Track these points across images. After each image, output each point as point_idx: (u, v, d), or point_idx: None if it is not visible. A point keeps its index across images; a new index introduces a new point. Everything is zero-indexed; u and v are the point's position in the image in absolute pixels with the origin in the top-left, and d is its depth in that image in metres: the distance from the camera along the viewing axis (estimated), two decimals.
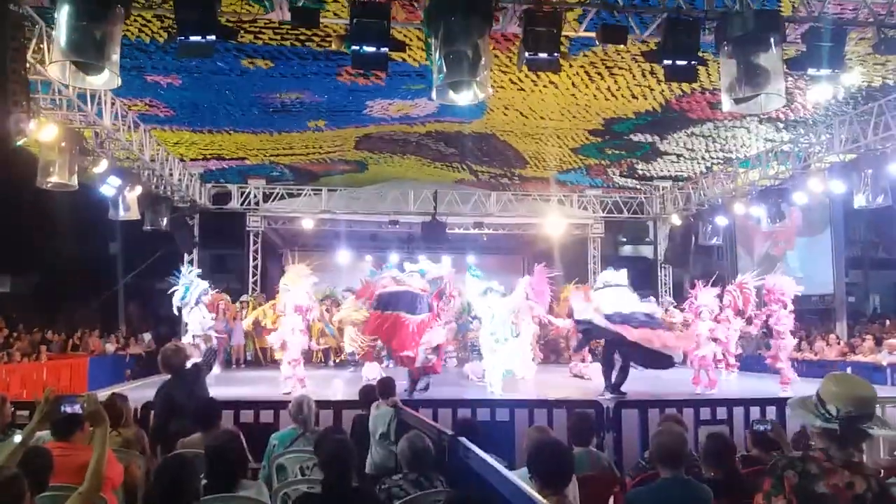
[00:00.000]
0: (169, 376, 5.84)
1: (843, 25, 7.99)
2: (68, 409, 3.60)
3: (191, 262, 18.34)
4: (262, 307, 15.80)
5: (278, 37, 9.52)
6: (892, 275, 24.73)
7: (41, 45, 8.82)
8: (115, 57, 6.99)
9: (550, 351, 16.95)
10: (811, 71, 8.01)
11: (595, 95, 11.69)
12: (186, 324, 13.09)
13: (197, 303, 12.97)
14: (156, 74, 10.77)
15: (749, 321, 12.35)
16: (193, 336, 12.63)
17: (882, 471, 3.34)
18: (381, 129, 14.22)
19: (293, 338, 11.42)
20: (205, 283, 13.39)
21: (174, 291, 13.23)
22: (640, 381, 11.51)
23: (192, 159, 16.10)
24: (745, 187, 15.91)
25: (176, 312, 13.44)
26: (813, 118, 12.85)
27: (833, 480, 2.30)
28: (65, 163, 10.96)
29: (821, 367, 14.23)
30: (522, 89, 11.50)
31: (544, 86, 11.30)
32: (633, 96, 11.73)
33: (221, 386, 11.17)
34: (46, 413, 3.59)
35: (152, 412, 6.12)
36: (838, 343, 15.34)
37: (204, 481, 3.78)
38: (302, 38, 9.52)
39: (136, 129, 12.97)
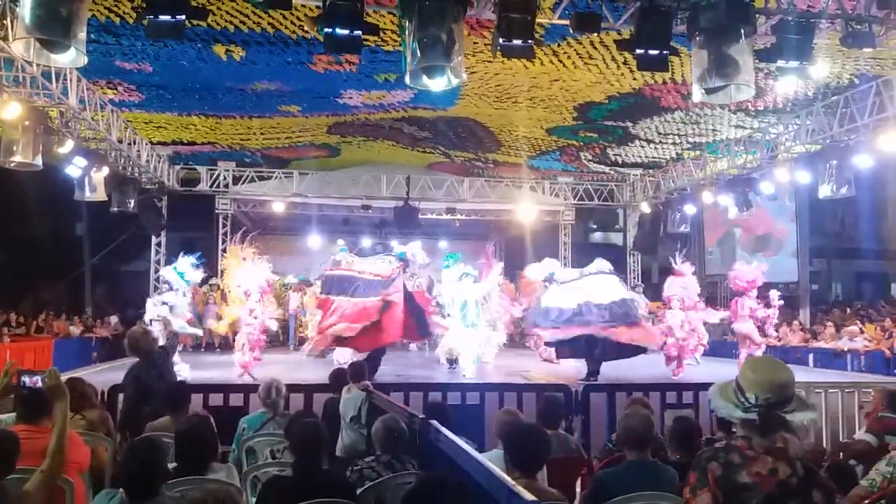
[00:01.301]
0: (136, 359, 5.80)
1: (811, 18, 8.11)
2: (28, 382, 3.56)
3: (158, 245, 18.15)
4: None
5: (251, 21, 9.38)
6: (855, 264, 25.27)
7: (4, 22, 8.58)
8: (82, 35, 6.83)
9: (519, 335, 17.08)
10: (780, 62, 8.12)
11: (567, 79, 11.70)
12: (170, 305, 12.65)
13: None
14: (126, 62, 10.58)
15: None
16: (151, 320, 12.32)
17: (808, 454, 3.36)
18: (355, 118, 14.13)
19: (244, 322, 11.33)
20: (200, 275, 13.11)
21: (160, 275, 12.92)
22: (609, 366, 11.65)
23: (161, 143, 15.86)
24: (714, 176, 16.14)
25: (159, 293, 13.07)
26: (781, 108, 13.04)
27: (756, 468, 2.27)
28: (28, 142, 10.71)
29: (784, 352, 14.57)
30: (496, 73, 11.48)
31: (514, 73, 11.29)
32: (609, 82, 11.76)
33: (193, 370, 11.10)
34: (6, 387, 3.55)
35: (121, 395, 6.07)
36: (802, 330, 15.69)
37: (174, 464, 3.78)
38: (274, 22, 9.40)
39: (104, 110, 12.73)
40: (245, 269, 11.53)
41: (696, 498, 2.32)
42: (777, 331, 15.71)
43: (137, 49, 10.07)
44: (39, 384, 3.50)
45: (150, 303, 12.59)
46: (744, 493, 2.25)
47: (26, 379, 3.61)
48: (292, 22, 9.33)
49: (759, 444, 2.33)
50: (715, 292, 18.86)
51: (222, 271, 14.46)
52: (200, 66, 10.79)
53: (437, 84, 7.60)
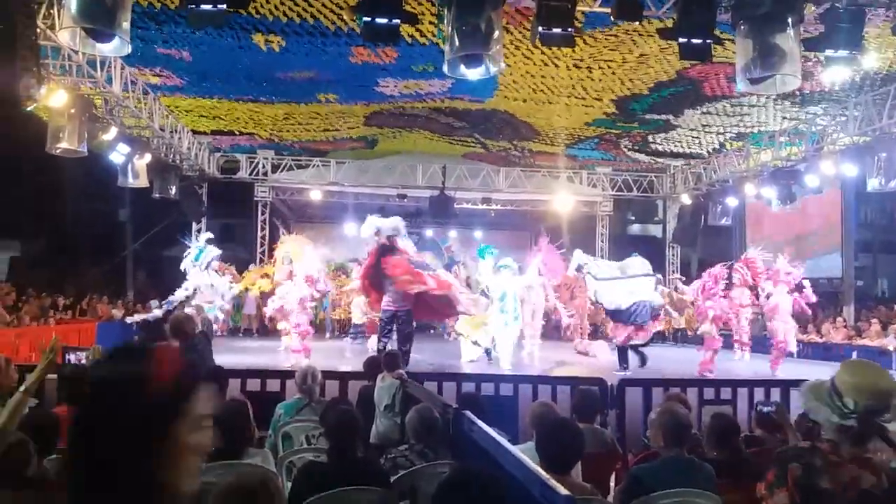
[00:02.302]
0: (177, 343, 5.89)
1: (862, 6, 7.86)
2: (73, 359, 3.63)
3: (199, 231, 18.44)
4: (250, 277, 15.72)
5: (291, 11, 9.42)
6: None
7: (51, 11, 8.77)
8: (126, 24, 6.97)
9: (554, 328, 16.98)
10: (828, 52, 7.90)
11: (608, 70, 11.52)
12: (195, 289, 12.92)
13: (207, 267, 12.97)
14: (167, 48, 10.71)
15: (757, 296, 12.24)
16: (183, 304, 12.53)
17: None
18: (392, 106, 14.13)
19: (301, 308, 11.47)
20: (217, 251, 13.37)
21: (187, 254, 13.22)
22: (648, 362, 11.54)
23: (201, 132, 16.07)
24: (757, 168, 15.80)
25: (184, 272, 13.36)
26: (829, 96, 12.66)
27: (838, 475, 2.18)
28: (74, 129, 10.96)
29: (826, 349, 14.26)
30: (535, 64, 11.35)
31: (556, 59, 11.15)
32: (649, 65, 11.51)
33: (229, 354, 11.26)
34: (50, 362, 3.62)
35: None
36: (845, 326, 15.32)
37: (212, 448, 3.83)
38: (314, 12, 9.43)
39: (146, 98, 12.94)
40: (308, 255, 11.74)
41: (773, 496, 2.26)
42: (818, 328, 15.40)
43: (178, 35, 10.18)
44: (84, 361, 3.56)
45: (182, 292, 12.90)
46: (822, 497, 2.17)
47: (71, 356, 3.69)
48: (332, 10, 9.35)
49: (848, 451, 2.24)
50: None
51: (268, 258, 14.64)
52: (239, 55, 10.88)
53: (475, 73, 7.56)
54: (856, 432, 2.25)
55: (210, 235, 13.81)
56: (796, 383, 7.52)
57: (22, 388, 3.47)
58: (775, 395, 6.86)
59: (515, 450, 3.23)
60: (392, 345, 10.34)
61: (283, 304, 11.63)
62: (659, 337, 17.59)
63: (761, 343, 13.87)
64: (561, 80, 12.02)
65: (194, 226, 18.40)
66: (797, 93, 12.31)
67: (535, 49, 10.40)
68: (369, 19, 7.36)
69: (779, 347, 11.59)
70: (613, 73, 11.70)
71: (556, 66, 11.32)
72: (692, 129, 15.41)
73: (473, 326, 12.00)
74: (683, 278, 17.64)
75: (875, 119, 12.22)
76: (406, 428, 4.26)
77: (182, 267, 13.19)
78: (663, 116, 14.27)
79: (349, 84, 12.43)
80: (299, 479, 3.63)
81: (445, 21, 7.31)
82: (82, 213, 20.85)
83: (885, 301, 19.70)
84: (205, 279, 12.81)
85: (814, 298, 12.01)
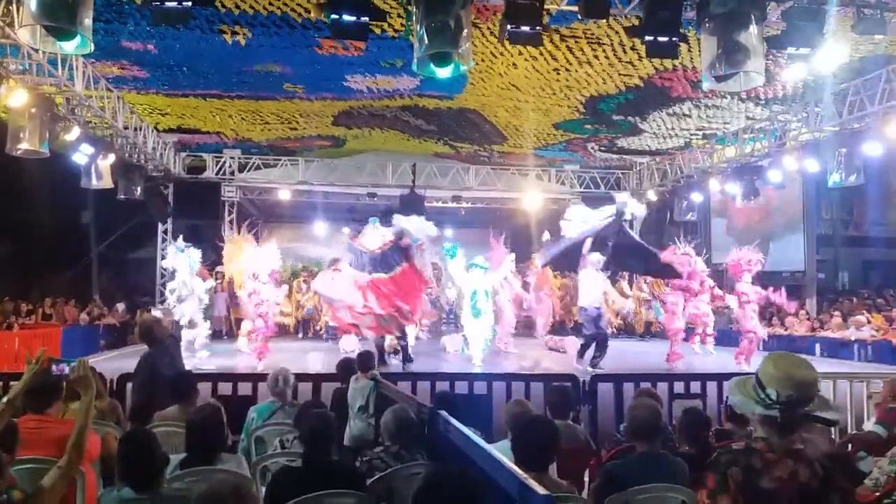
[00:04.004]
0: (146, 347, 5.80)
1: (822, 5, 8.02)
2: (55, 370, 3.55)
3: (165, 232, 18.18)
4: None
5: (257, 4, 9.32)
6: (862, 252, 25.15)
7: (10, 8, 8.57)
8: (88, 21, 6.81)
9: (524, 325, 17.09)
10: (790, 50, 8.06)
11: (577, 69, 11.62)
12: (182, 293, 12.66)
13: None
14: (131, 42, 10.52)
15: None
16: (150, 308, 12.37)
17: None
18: (360, 104, 14.06)
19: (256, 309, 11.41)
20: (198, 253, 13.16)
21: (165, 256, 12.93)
22: (617, 357, 11.65)
23: (168, 130, 15.82)
24: (721, 164, 16.05)
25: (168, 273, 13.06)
26: (791, 96, 12.93)
27: (776, 472, 2.19)
28: (35, 129, 10.70)
29: (790, 341, 14.53)
30: (504, 62, 11.40)
31: (525, 59, 11.22)
32: (617, 72, 11.68)
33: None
34: (36, 373, 3.53)
35: (130, 384, 6.07)
36: (808, 319, 15.64)
37: (182, 455, 3.79)
38: (280, 5, 9.34)
39: (109, 96, 12.70)
40: (249, 254, 11.60)
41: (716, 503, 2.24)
42: (782, 321, 15.69)
43: (143, 29, 9.98)
44: (66, 372, 3.47)
45: (173, 290, 12.67)
46: (766, 499, 2.18)
47: (55, 367, 3.60)
48: (299, 3, 9.26)
49: (778, 444, 2.26)
50: (721, 281, 18.78)
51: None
52: (205, 48, 10.72)
53: (444, 71, 7.56)
54: (780, 423, 2.28)
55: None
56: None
57: (5, 399, 3.39)
58: None
59: (492, 449, 3.24)
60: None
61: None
62: (626, 331, 17.90)
63: (726, 336, 14.17)
64: (529, 77, 12.08)
65: (160, 227, 18.15)
66: (760, 95, 12.58)
67: (504, 47, 10.44)
68: (337, 16, 7.32)
69: (748, 336, 11.72)
70: (586, 74, 11.80)
71: (528, 62, 11.36)
72: (657, 134, 15.63)
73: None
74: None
75: (835, 115, 12.48)
76: (381, 429, 4.25)
77: (169, 267, 12.84)
78: (630, 119, 14.43)
79: (316, 77, 12.33)
80: (274, 485, 3.61)
81: (414, 19, 7.29)
82: (45, 215, 20.38)
83: (846, 294, 20.15)
84: (199, 286, 12.58)
85: (783, 298, 12.11)
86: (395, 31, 10.00)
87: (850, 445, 4.75)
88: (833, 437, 5.91)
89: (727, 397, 5.05)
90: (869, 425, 5.12)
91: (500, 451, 3.22)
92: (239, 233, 12.41)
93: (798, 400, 2.27)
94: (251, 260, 11.66)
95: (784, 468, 2.20)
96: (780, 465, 2.20)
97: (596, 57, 11.05)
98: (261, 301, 11.34)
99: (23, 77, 10.50)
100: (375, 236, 11.54)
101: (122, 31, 10.15)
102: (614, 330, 17.42)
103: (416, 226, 11.39)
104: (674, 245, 12.79)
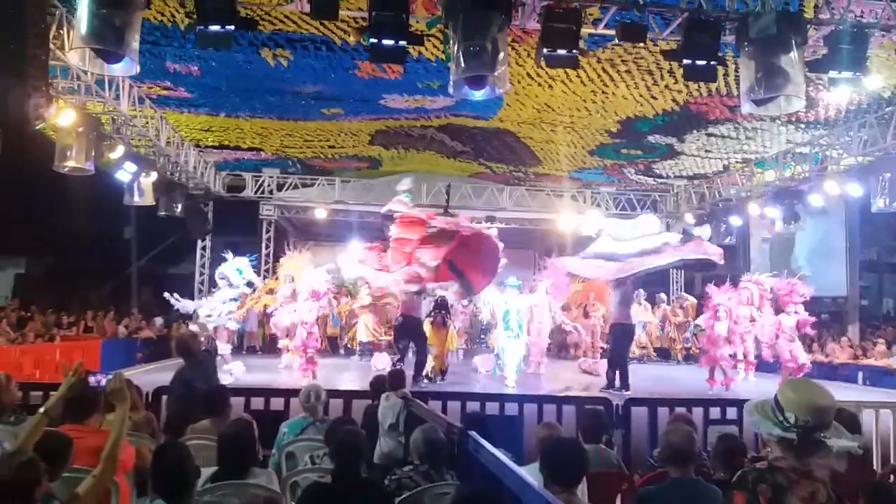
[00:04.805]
0: (182, 361, 5.89)
1: (865, 28, 7.92)
2: (92, 381, 3.64)
3: (203, 249, 18.51)
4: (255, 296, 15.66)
5: (298, 27, 9.53)
6: None
7: (61, 31, 8.87)
8: (135, 44, 7.04)
9: (559, 347, 16.97)
10: (832, 73, 7.94)
11: (613, 92, 11.61)
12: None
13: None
14: (175, 63, 10.81)
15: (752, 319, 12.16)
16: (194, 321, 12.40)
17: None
18: (398, 124, 14.21)
19: (306, 326, 11.46)
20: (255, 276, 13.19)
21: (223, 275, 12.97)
22: (651, 381, 11.50)
23: (208, 146, 16.16)
24: (761, 188, 15.81)
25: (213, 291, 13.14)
26: (832, 120, 12.74)
27: (801, 491, 2.29)
28: (82, 147, 11.06)
29: (832, 369, 14.19)
30: (539, 84, 11.45)
31: (562, 81, 11.25)
32: (653, 96, 11.65)
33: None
34: (73, 384, 3.62)
35: (165, 397, 6.17)
36: (850, 346, 15.25)
37: (214, 468, 3.83)
38: (321, 28, 9.53)
39: (153, 116, 13.05)
40: (310, 271, 11.77)
41: None
42: (823, 348, 15.31)
43: (187, 51, 10.26)
44: (103, 384, 3.57)
45: (207, 302, 12.77)
46: None
47: (92, 379, 3.70)
48: (337, 26, 9.42)
49: (796, 466, 2.35)
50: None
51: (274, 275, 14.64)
52: (248, 69, 10.96)
53: (480, 94, 7.62)
54: (796, 445, 2.37)
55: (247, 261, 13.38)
56: None
57: (42, 410, 3.47)
58: None
59: (521, 471, 3.22)
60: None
61: (289, 322, 11.65)
62: (664, 355, 17.63)
63: (765, 363, 13.83)
64: (565, 99, 12.10)
65: (199, 243, 18.49)
66: (801, 119, 12.42)
67: (540, 69, 10.48)
68: (376, 41, 7.44)
69: (787, 367, 11.47)
70: (622, 97, 11.80)
71: (564, 84, 11.38)
72: (695, 156, 15.50)
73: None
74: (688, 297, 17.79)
75: (879, 139, 12.24)
76: (410, 448, 4.25)
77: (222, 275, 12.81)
78: (667, 140, 14.32)
79: (354, 98, 12.51)
80: (304, 500, 3.62)
81: (451, 41, 7.37)
82: (88, 230, 20.91)
83: (891, 320, 19.63)
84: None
85: (811, 319, 11.83)
86: (431, 54, 10.11)
87: (893, 476, 4.63)
88: (874, 466, 5.75)
89: None
90: None
91: (530, 474, 3.21)
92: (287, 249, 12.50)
93: (815, 426, 2.37)
94: (312, 277, 11.80)
95: (806, 487, 2.31)
96: (803, 484, 2.31)
97: (633, 80, 11.03)
98: (302, 320, 11.45)
99: (71, 97, 10.84)
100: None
101: (167, 53, 10.44)
102: (650, 355, 17.26)
103: None
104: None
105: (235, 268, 12.51)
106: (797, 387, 2.49)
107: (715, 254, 11.03)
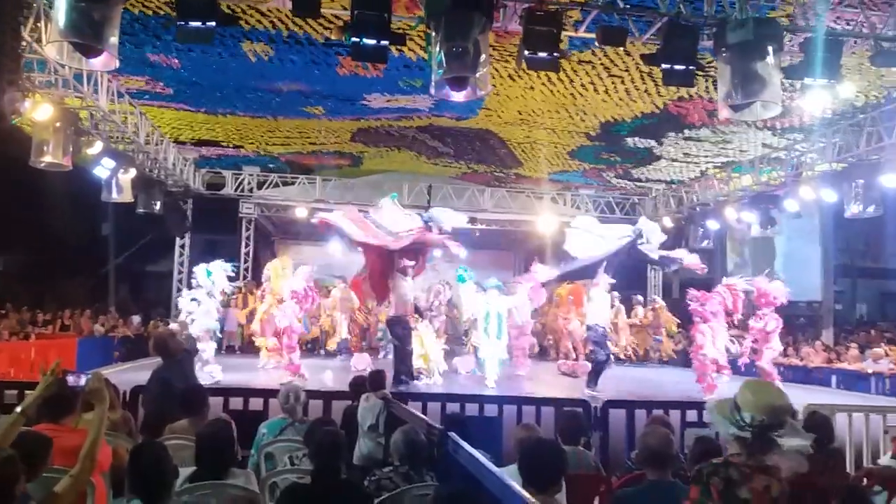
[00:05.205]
0: (160, 360, 5.85)
1: (840, 36, 8.05)
2: (71, 381, 3.61)
3: (182, 247, 18.36)
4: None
5: (280, 23, 9.48)
6: (880, 284, 24.93)
7: (39, 24, 8.74)
8: (114, 39, 6.96)
9: (539, 348, 17.03)
10: (807, 80, 8.06)
11: (593, 94, 11.69)
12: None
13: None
14: (156, 54, 10.67)
15: (734, 324, 12.22)
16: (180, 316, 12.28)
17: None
18: (378, 124, 14.19)
19: (292, 325, 11.43)
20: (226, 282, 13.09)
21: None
22: (628, 382, 11.58)
23: (188, 142, 16.02)
24: (738, 192, 16.00)
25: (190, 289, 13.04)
26: (808, 126, 12.92)
27: (753, 484, 2.42)
28: (59, 143, 10.88)
29: (806, 372, 14.38)
30: (521, 85, 11.49)
31: (542, 83, 11.31)
32: (632, 99, 11.75)
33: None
34: (50, 384, 3.59)
35: (141, 396, 6.11)
36: (824, 350, 15.46)
37: (192, 468, 3.81)
38: (303, 25, 9.49)
39: (132, 112, 12.91)
40: (291, 275, 11.76)
41: None
42: (798, 351, 15.49)
43: (168, 42, 10.15)
44: (82, 383, 3.54)
45: (181, 300, 12.64)
46: None
47: (70, 378, 3.67)
48: (320, 23, 9.40)
49: (751, 462, 2.48)
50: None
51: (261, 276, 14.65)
52: (229, 63, 10.87)
53: (461, 94, 7.64)
54: (751, 443, 2.50)
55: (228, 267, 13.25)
56: None
57: (19, 409, 3.44)
58: None
59: (501, 472, 3.24)
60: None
61: (269, 323, 11.61)
62: (636, 358, 17.82)
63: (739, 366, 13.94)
64: (545, 100, 12.16)
65: (178, 241, 18.34)
66: (777, 125, 12.59)
67: (521, 70, 10.53)
68: (357, 40, 7.43)
69: (762, 371, 11.54)
70: (602, 100, 11.88)
71: (545, 86, 11.43)
72: (675, 161, 15.64)
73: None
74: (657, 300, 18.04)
75: (852, 146, 12.44)
76: (390, 449, 4.25)
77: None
78: (647, 143, 14.44)
79: (336, 97, 12.47)
80: (283, 501, 3.61)
81: (433, 42, 7.39)
82: (65, 227, 20.65)
83: (864, 325, 19.94)
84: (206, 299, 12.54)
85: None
86: (414, 53, 10.12)
87: (865, 479, 4.69)
88: (847, 469, 5.84)
89: None
90: (885, 460, 5.05)
91: (510, 475, 3.22)
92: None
93: (769, 425, 2.50)
94: (293, 278, 11.87)
95: (759, 481, 2.43)
96: (756, 478, 2.44)
97: (613, 83, 11.12)
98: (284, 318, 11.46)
99: (48, 91, 10.69)
100: (397, 215, 11.29)
101: (147, 44, 10.31)
102: (627, 357, 17.38)
103: (446, 216, 11.28)
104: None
105: (206, 269, 12.44)
106: (755, 388, 2.62)
107: (694, 265, 11.23)
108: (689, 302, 11.84)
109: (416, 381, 10.78)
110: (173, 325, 11.45)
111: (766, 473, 2.44)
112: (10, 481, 2.83)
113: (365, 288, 11.44)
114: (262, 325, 13.38)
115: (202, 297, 11.82)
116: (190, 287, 12.78)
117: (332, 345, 15.84)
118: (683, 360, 15.98)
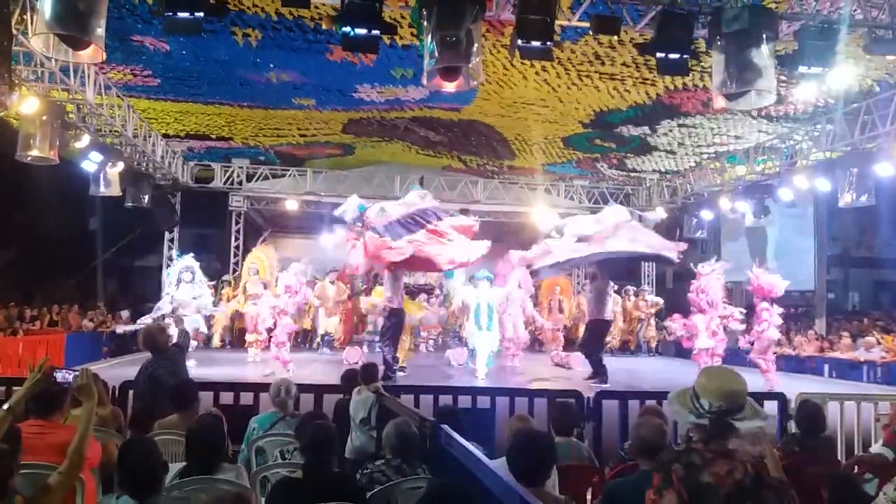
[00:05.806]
0: (150, 355, 5.78)
1: (834, 24, 8.01)
2: (60, 378, 3.57)
3: (171, 241, 18.24)
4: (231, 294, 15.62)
5: (269, 7, 9.36)
6: (872, 273, 25.03)
7: (24, 16, 8.62)
8: (101, 31, 6.85)
9: (532, 340, 17.02)
10: (802, 69, 8.03)
11: (587, 83, 11.62)
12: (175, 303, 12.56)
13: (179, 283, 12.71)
14: (143, 36, 10.46)
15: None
16: (164, 316, 12.25)
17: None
18: (370, 115, 14.10)
19: (281, 319, 11.41)
20: (185, 263, 13.06)
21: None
22: (621, 373, 11.57)
23: (176, 136, 15.88)
24: (732, 182, 15.99)
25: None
26: (801, 115, 12.89)
27: (715, 469, 2.41)
28: (46, 136, 10.76)
29: (799, 362, 14.42)
30: (514, 74, 11.42)
31: (536, 73, 11.24)
32: (626, 89, 11.68)
33: (202, 367, 11.11)
34: (38, 381, 3.54)
35: (132, 392, 6.05)
36: (817, 339, 15.51)
37: (182, 463, 3.76)
38: (292, 9, 9.37)
39: (120, 105, 12.78)
40: (294, 268, 11.78)
41: (663, 499, 2.44)
42: (790, 341, 15.52)
43: (157, 24, 9.96)
44: (70, 379, 3.50)
45: (166, 296, 12.63)
46: (706, 491, 2.39)
47: (59, 374, 3.63)
48: (309, 10, 9.28)
49: (712, 447, 2.47)
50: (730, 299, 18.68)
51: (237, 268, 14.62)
52: (216, 47, 10.68)
53: (454, 85, 7.57)
54: (709, 430, 2.50)
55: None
56: (769, 396, 7.58)
57: (6, 406, 3.40)
58: None
59: (493, 464, 3.20)
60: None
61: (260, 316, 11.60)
62: (626, 348, 17.93)
63: (733, 357, 13.94)
64: (539, 90, 12.08)
65: (166, 235, 18.22)
66: (772, 113, 12.55)
67: (514, 61, 10.46)
68: (348, 30, 7.35)
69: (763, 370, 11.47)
70: (595, 89, 11.81)
71: (538, 75, 11.35)
72: (669, 151, 15.58)
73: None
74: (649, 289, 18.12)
75: (847, 135, 12.42)
76: (382, 442, 4.21)
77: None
78: (640, 131, 14.38)
79: (327, 88, 12.35)
80: (274, 495, 3.58)
81: (425, 32, 7.31)
82: (52, 221, 20.49)
83: (856, 314, 20.02)
84: (184, 293, 12.48)
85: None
86: (405, 41, 10.02)
87: (856, 467, 4.69)
88: (839, 457, 5.84)
89: None
90: (877, 447, 5.04)
91: (502, 467, 3.19)
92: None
93: (727, 410, 2.51)
94: (287, 272, 11.87)
95: (721, 466, 2.42)
96: (717, 463, 2.43)
97: (606, 72, 11.05)
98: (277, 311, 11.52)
99: (35, 84, 10.56)
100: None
101: (133, 27, 10.13)
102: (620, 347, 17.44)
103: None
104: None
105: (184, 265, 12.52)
106: (710, 375, 2.64)
107: (673, 251, 11.18)
108: (689, 292, 11.77)
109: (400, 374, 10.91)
110: (168, 320, 11.38)
111: (727, 458, 2.43)
112: (3, 474, 2.81)
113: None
114: (249, 319, 13.37)
115: (198, 292, 11.92)
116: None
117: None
118: (675, 350, 16.05)
